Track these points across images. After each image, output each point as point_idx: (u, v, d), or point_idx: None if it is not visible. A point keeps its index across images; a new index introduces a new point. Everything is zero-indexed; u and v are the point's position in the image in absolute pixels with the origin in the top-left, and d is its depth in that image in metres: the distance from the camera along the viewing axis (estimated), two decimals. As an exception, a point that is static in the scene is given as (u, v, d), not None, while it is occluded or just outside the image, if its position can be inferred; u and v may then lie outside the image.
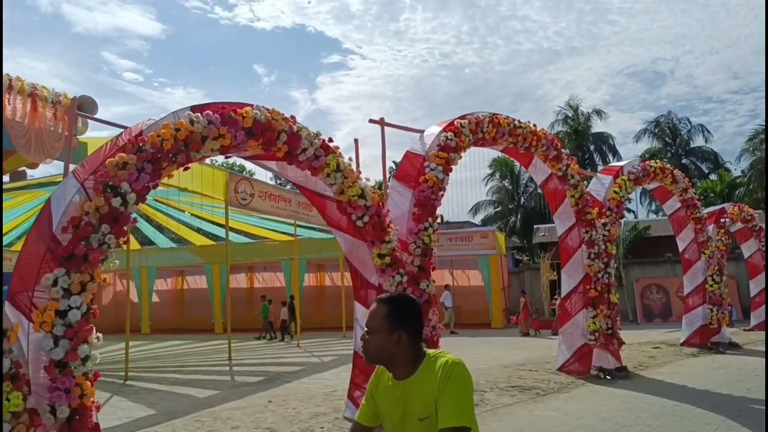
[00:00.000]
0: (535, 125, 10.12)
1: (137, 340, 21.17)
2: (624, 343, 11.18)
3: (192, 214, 21.46)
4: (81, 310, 4.63)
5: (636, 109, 78.84)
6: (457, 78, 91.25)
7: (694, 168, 41.98)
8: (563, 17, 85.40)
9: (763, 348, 14.19)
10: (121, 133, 5.43)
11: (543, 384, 9.73)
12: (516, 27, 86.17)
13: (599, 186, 12.19)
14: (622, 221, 26.60)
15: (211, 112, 5.63)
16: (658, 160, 13.77)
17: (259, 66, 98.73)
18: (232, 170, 21.10)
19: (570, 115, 44.63)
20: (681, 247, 14.86)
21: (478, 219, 44.42)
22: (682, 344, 14.34)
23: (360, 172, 7.36)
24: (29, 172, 11.75)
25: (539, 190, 15.39)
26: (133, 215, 5.06)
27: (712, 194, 33.55)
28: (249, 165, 45.02)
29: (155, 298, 27.26)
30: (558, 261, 12.53)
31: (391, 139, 8.61)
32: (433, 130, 8.63)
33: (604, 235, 11.29)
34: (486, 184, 46.53)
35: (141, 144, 5.11)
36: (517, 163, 19.56)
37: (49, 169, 12.39)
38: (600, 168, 29.86)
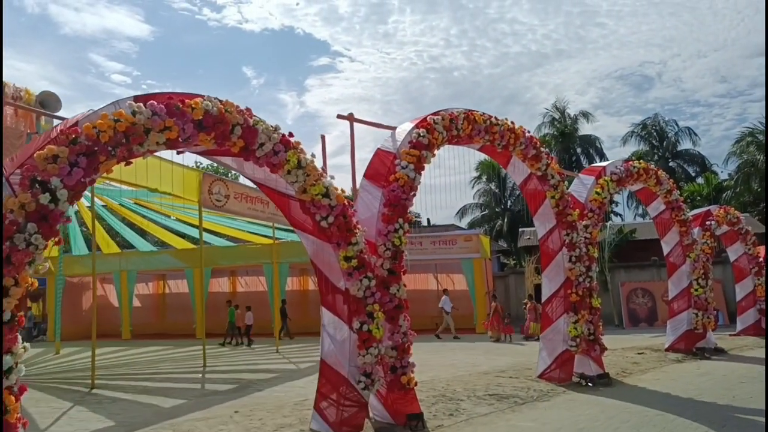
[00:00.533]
0: (513, 122, 9.77)
1: (116, 345, 20.79)
2: (606, 349, 10.85)
3: (173, 217, 21.08)
4: (4, 317, 4.21)
5: (624, 113, 79.01)
6: (445, 81, 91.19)
7: (681, 171, 41.85)
8: (551, 20, 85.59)
9: (749, 353, 13.98)
10: (58, 125, 5.03)
11: (522, 392, 9.38)
12: (504, 30, 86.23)
13: (581, 187, 11.88)
14: (608, 224, 26.50)
15: (156, 103, 5.24)
16: (642, 161, 13.43)
17: (248, 68, 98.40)
18: (207, 170, 20.69)
19: (557, 117, 44.44)
20: (666, 250, 14.57)
21: (464, 222, 44.14)
22: (666, 350, 14.04)
23: (324, 170, 7.01)
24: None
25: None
26: (68, 214, 4.65)
27: (698, 197, 33.40)
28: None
29: (136, 303, 26.69)
30: (544, 265, 12.16)
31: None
32: (405, 127, 8.27)
33: (585, 238, 10.96)
34: (473, 187, 46.31)
35: (75, 135, 4.71)
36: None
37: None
38: (586, 171, 29.55)
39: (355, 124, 8.68)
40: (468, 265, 22.66)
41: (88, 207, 21.82)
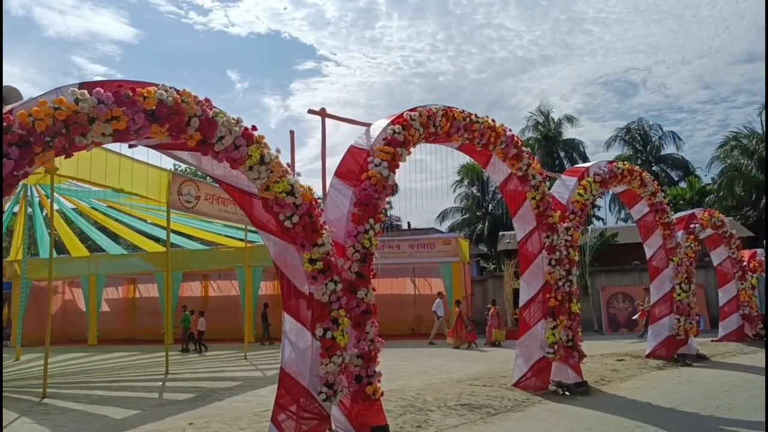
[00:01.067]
0: (493, 120, 9.41)
1: (81, 351, 20.18)
2: (585, 356, 10.52)
3: (149, 221, 20.52)
4: None
5: (608, 119, 79.57)
6: (431, 86, 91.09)
7: (664, 175, 41.97)
8: (538, 26, 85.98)
9: (732, 360, 13.76)
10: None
11: (496, 401, 9.01)
12: (491, 35, 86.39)
13: (563, 188, 11.54)
14: (590, 228, 26.30)
15: (102, 90, 4.80)
16: (626, 162, 13.13)
17: (232, 72, 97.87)
18: (185, 172, 20.18)
19: (541, 121, 44.39)
20: (648, 253, 14.30)
21: (445, 226, 43.93)
22: (647, 356, 13.76)
23: (292, 167, 6.58)
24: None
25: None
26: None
27: (681, 201, 33.36)
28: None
29: (105, 307, 26.06)
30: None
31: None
32: (381, 124, 7.88)
33: (566, 240, 10.62)
34: (454, 191, 46.09)
35: (7, 124, 4.26)
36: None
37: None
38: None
39: (331, 121, 8.25)
40: (446, 268, 22.32)
41: (57, 210, 21.33)
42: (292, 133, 7.07)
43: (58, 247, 25.33)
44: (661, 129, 44.35)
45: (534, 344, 10.25)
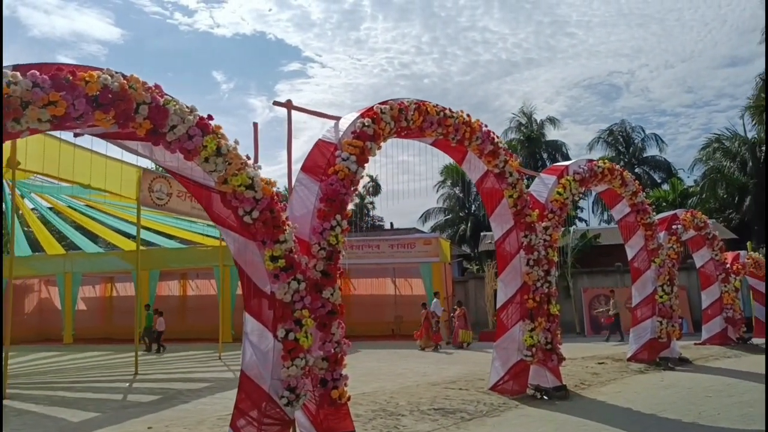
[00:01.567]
0: (469, 115, 9.11)
1: (55, 350, 19.72)
2: (564, 359, 10.24)
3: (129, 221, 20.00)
4: None
5: (592, 121, 79.85)
6: (416, 88, 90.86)
7: (647, 177, 42.06)
8: (522, 29, 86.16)
9: (715, 364, 13.56)
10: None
11: (471, 406, 8.71)
12: (475, 38, 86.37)
13: (542, 187, 11.28)
14: (572, 229, 26.12)
15: (38, 73, 4.44)
16: (606, 160, 12.88)
17: (218, 73, 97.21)
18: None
19: (524, 122, 44.31)
20: (630, 254, 14.07)
21: (427, 227, 43.73)
22: (629, 359, 13.51)
23: (255, 160, 6.25)
24: None
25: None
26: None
27: (664, 203, 33.37)
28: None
29: (82, 306, 25.57)
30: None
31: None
32: (350, 117, 7.56)
33: (545, 240, 10.36)
34: (437, 191, 45.93)
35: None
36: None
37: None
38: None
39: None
40: (426, 269, 21.99)
41: (32, 209, 20.88)
42: (255, 125, 6.74)
43: (34, 245, 24.87)
44: (643, 131, 44.56)
45: (511, 347, 9.96)
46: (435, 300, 20.09)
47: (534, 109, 45.41)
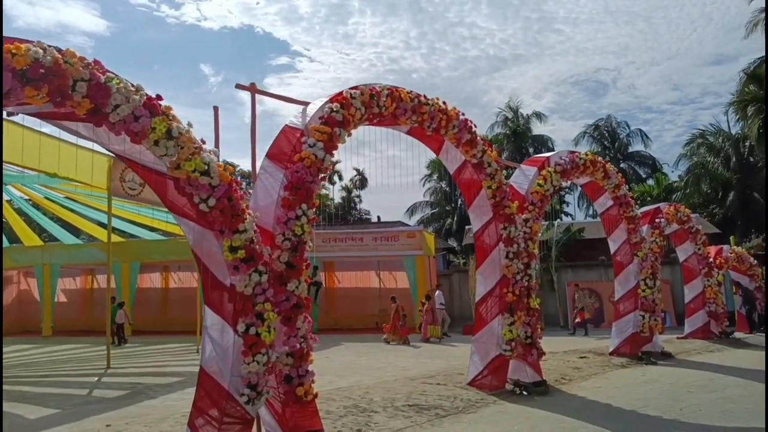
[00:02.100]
0: (445, 103, 8.83)
1: (32, 343, 19.36)
2: (544, 353, 10.00)
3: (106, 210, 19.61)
4: None
5: (579, 118, 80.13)
6: (404, 83, 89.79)
7: (632, 172, 42.21)
8: (510, 25, 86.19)
9: (697, 358, 13.43)
10: None
11: (447, 402, 8.46)
12: (464, 33, 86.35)
13: (522, 178, 11.02)
14: (556, 223, 25.95)
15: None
16: (588, 152, 12.65)
17: (205, 66, 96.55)
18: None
19: (510, 116, 44.17)
20: (613, 248, 13.85)
21: (414, 220, 43.59)
22: (611, 354, 13.31)
23: (216, 145, 5.95)
24: None
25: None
26: None
27: (649, 198, 33.38)
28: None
29: (62, 298, 25.18)
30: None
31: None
32: (319, 102, 7.26)
33: (525, 232, 10.10)
34: (423, 185, 45.76)
35: None
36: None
37: None
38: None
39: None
40: (410, 262, 21.75)
41: (7, 201, 20.44)
42: (215, 109, 6.43)
43: (11, 236, 24.44)
44: (628, 126, 44.73)
45: (490, 341, 9.72)
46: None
47: (520, 103, 45.36)
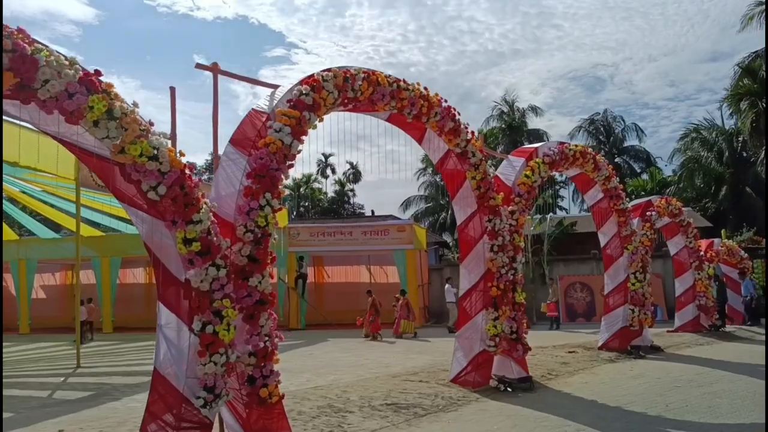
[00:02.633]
0: (426, 88, 8.41)
1: (8, 341, 18.76)
2: (530, 349, 9.69)
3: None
4: None
5: (576, 113, 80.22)
6: (402, 76, 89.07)
7: (627, 167, 42.25)
8: (509, 20, 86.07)
9: (686, 352, 13.20)
10: None
11: (428, 400, 8.10)
12: (462, 27, 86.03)
13: (509, 169, 10.67)
14: (549, 216, 25.61)
15: None
16: (578, 143, 12.27)
17: (199, 57, 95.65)
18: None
19: (506, 110, 43.86)
20: (603, 241, 13.55)
21: (408, 214, 43.30)
22: (600, 348, 13.02)
23: (173, 128, 5.52)
24: None
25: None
26: None
27: (643, 192, 33.30)
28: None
29: (42, 294, 24.63)
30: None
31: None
32: (289, 85, 6.83)
33: (511, 225, 9.73)
34: (418, 179, 45.38)
35: None
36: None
37: None
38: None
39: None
40: (401, 256, 21.37)
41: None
42: (171, 90, 5.98)
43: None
44: (623, 121, 44.59)
45: (474, 336, 9.37)
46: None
47: (516, 97, 45.02)
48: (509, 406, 7.98)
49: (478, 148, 9.34)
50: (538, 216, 24.49)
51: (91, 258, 21.44)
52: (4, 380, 10.90)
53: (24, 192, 18.87)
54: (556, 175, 16.76)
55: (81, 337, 17.35)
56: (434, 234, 39.17)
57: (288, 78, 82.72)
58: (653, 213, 14.36)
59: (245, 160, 6.04)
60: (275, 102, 6.54)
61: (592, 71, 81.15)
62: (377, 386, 9.02)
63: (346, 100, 7.19)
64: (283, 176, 6.14)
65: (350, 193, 58.13)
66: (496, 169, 10.65)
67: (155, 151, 4.94)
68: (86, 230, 21.73)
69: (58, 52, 4.42)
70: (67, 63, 4.42)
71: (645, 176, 39.74)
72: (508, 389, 8.96)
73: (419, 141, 9.35)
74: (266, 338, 5.79)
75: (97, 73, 4.64)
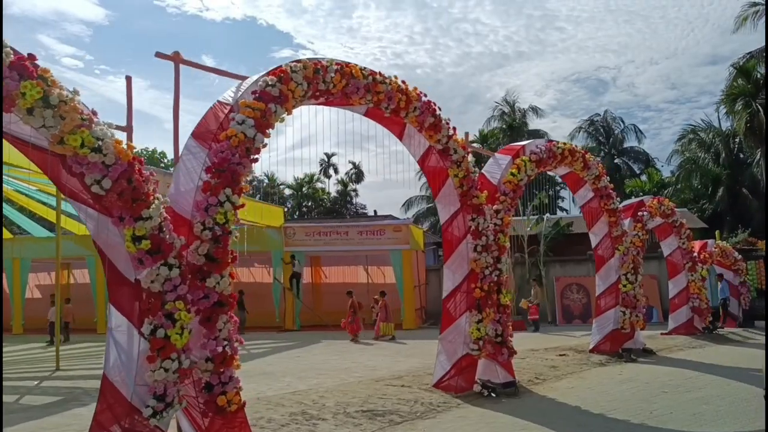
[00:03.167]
0: (404, 82, 8.10)
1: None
2: (516, 352, 9.32)
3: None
4: None
5: (580, 115, 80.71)
6: (408, 78, 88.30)
7: (626, 168, 42.18)
8: (513, 22, 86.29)
9: (678, 355, 12.95)
10: None
11: (406, 406, 7.78)
12: (467, 29, 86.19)
13: (495, 167, 10.36)
14: (545, 217, 25.28)
15: None
16: (566, 141, 11.97)
17: (207, 57, 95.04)
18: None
19: (506, 111, 43.70)
20: (594, 242, 13.24)
21: (409, 215, 43.10)
22: (591, 351, 12.71)
23: (129, 119, 5.21)
24: None
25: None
26: None
27: (641, 193, 32.98)
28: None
29: (36, 294, 24.24)
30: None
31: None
32: (257, 76, 6.53)
33: (495, 224, 9.40)
34: (419, 179, 45.02)
35: None
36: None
37: None
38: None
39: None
40: (397, 256, 21.05)
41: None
42: (127, 79, 5.68)
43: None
44: (623, 122, 44.53)
45: (458, 339, 9.04)
46: None
47: (517, 97, 44.92)
48: (490, 413, 7.67)
49: (460, 145, 9.03)
50: (535, 216, 24.20)
51: (86, 257, 21.11)
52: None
53: (17, 190, 18.59)
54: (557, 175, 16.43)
55: (50, 338, 17.14)
56: (434, 234, 38.79)
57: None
58: (645, 213, 14.03)
59: (206, 153, 5.74)
60: (240, 93, 6.22)
61: (595, 74, 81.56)
62: (357, 391, 8.69)
63: (317, 93, 6.90)
64: (245, 171, 5.82)
65: (353, 194, 57.90)
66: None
67: (99, 142, 4.63)
68: (81, 229, 21.45)
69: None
70: (-2, 45, 4.10)
71: (644, 177, 39.56)
72: (492, 394, 8.64)
73: (399, 137, 9.03)
74: (225, 342, 5.46)
75: (32, 57, 4.33)
